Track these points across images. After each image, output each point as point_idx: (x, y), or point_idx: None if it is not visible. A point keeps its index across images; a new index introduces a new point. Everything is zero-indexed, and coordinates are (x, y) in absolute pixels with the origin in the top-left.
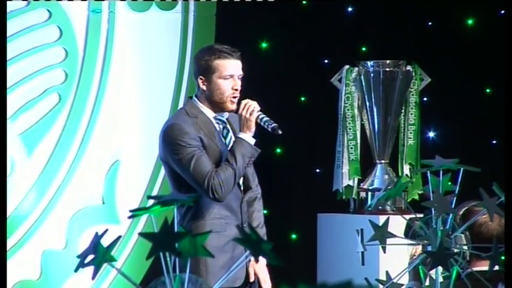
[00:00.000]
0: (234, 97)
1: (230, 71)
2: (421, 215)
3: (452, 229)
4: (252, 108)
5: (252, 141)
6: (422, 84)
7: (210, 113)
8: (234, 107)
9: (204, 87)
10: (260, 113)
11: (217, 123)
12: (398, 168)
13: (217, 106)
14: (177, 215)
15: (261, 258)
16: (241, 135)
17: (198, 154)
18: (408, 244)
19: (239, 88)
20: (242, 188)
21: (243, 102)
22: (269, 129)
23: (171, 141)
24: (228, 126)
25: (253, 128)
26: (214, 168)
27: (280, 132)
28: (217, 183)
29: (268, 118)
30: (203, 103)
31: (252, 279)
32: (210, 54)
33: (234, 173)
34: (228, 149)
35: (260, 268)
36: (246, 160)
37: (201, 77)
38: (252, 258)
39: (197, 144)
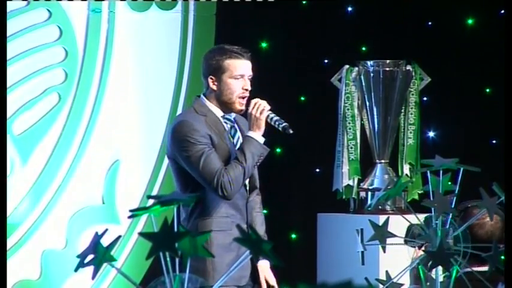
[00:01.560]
0: (243, 97)
1: (241, 71)
2: (423, 215)
3: (452, 230)
4: (262, 107)
5: (262, 140)
6: (422, 84)
7: (218, 112)
8: (242, 108)
9: (214, 87)
10: (270, 112)
11: (225, 122)
12: (398, 168)
13: (226, 106)
14: (183, 212)
15: (266, 262)
16: (251, 133)
17: (207, 152)
18: (409, 244)
19: (249, 88)
20: (248, 188)
21: (253, 101)
22: (279, 129)
23: (180, 138)
24: (236, 125)
25: (263, 127)
26: (223, 166)
27: (291, 131)
28: (227, 181)
29: (278, 117)
30: (211, 102)
31: (264, 286)
32: (221, 54)
33: (243, 171)
34: (236, 148)
35: (268, 273)
36: (256, 159)
37: (211, 76)
38: (259, 263)
39: (206, 142)
